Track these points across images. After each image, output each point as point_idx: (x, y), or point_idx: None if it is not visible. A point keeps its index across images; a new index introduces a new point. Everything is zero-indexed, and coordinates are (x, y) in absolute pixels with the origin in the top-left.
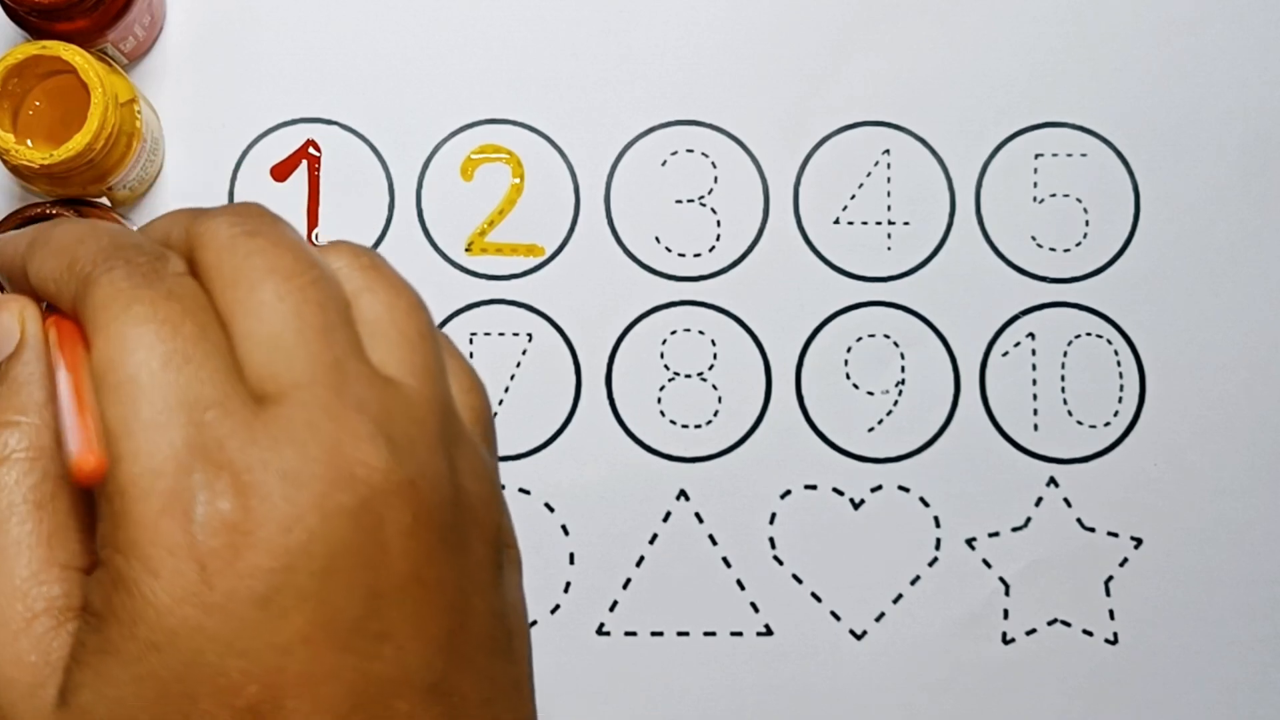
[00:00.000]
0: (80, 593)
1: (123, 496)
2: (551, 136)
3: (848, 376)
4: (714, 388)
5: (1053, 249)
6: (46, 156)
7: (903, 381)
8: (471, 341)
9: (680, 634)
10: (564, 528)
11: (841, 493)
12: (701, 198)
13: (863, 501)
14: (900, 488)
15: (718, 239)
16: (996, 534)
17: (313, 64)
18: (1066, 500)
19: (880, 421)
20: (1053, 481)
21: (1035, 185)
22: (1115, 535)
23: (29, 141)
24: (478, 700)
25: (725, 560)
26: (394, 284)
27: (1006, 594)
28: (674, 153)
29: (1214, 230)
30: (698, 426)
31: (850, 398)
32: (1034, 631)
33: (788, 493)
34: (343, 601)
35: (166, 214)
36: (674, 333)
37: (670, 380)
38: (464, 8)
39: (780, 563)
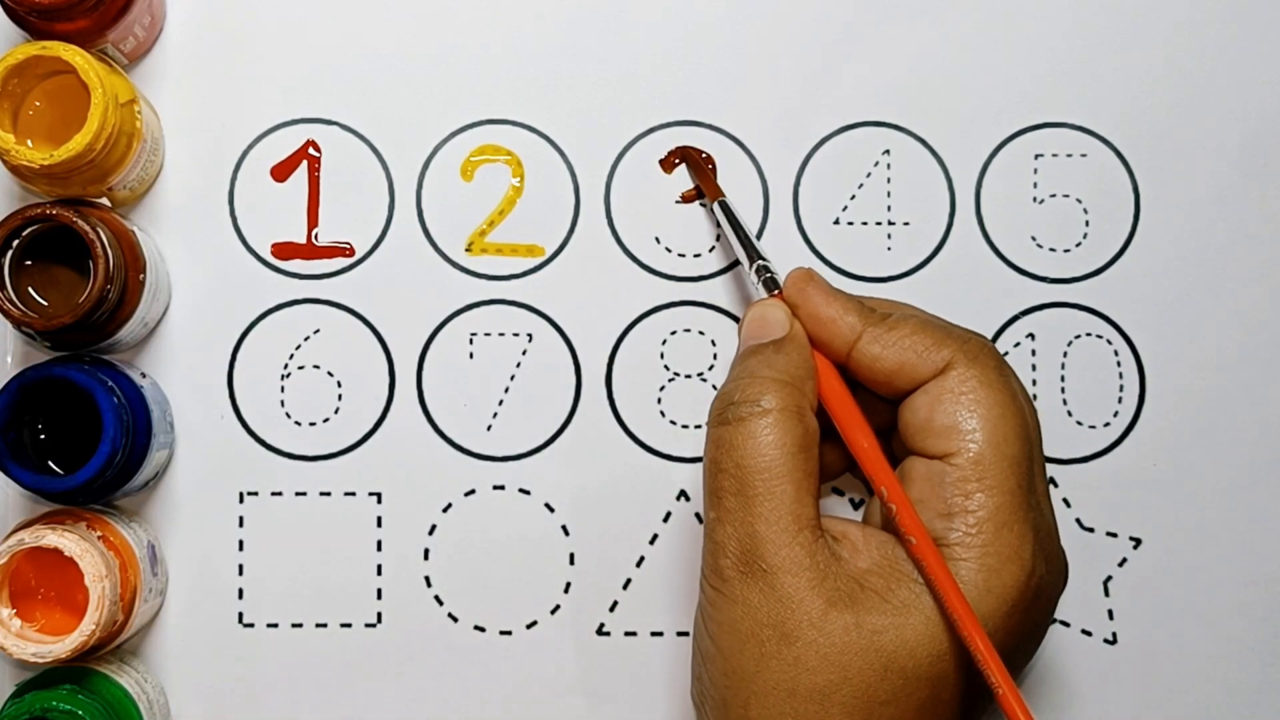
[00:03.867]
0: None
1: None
2: (551, 136)
3: None
4: (714, 388)
5: (1053, 249)
6: (46, 156)
7: None
8: (471, 341)
9: (680, 634)
10: (564, 528)
11: (842, 493)
12: (701, 198)
13: (862, 502)
14: None
15: (717, 239)
16: None
17: (313, 64)
18: (1066, 500)
19: None
20: (1052, 481)
21: (1035, 185)
22: (1114, 535)
23: (29, 141)
24: None
25: None
26: None
27: None
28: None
29: (1214, 230)
30: (698, 426)
31: None
32: None
33: None
34: None
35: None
36: (674, 333)
37: (670, 380)
38: (464, 8)
39: None
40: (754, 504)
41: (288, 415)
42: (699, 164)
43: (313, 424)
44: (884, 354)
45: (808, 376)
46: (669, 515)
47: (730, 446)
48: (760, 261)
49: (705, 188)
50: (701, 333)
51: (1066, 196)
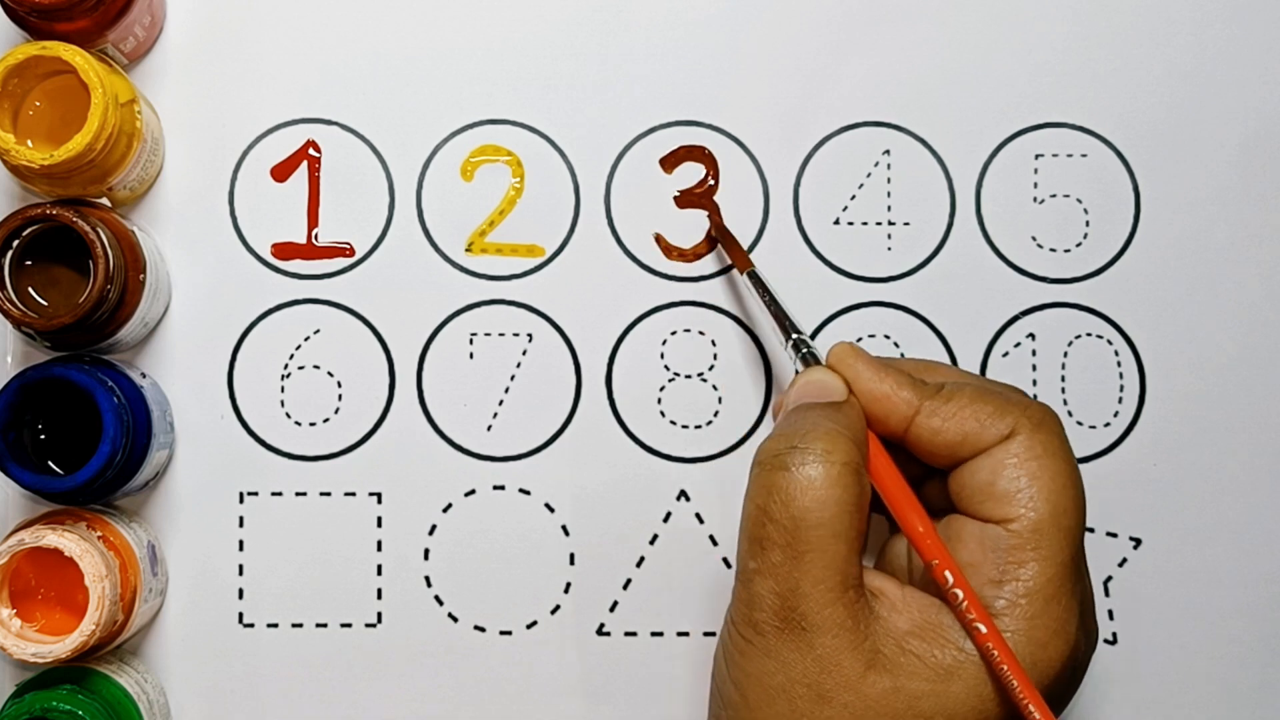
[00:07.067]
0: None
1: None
2: (551, 136)
3: None
4: (714, 388)
5: (1053, 249)
6: (46, 156)
7: None
8: (471, 341)
9: (680, 634)
10: (564, 528)
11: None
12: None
13: None
14: None
15: (713, 246)
16: None
17: (313, 64)
18: None
19: None
20: None
21: (1035, 185)
22: (1114, 535)
23: (29, 141)
24: None
25: (725, 561)
26: None
27: None
28: (674, 152)
29: (1214, 230)
30: (698, 427)
31: None
32: None
33: None
34: None
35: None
36: (674, 333)
37: (670, 380)
38: (464, 8)
39: None
40: (803, 560)
41: (288, 415)
42: (726, 234)
43: (313, 424)
44: (945, 426)
45: (864, 441)
46: (669, 515)
47: (787, 497)
48: (797, 335)
49: (734, 258)
50: (701, 333)
51: (1066, 196)
